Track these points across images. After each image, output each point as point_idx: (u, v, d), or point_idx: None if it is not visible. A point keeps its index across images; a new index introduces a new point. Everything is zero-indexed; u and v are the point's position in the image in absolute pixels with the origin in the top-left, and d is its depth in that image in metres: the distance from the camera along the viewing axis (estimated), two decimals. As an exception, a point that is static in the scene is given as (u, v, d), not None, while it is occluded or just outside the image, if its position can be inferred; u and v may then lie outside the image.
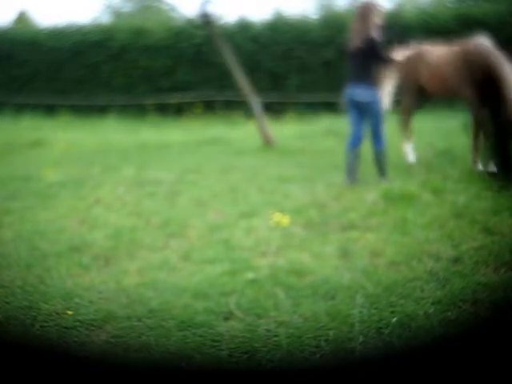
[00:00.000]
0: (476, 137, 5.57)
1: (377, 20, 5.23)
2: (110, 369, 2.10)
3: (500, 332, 2.00)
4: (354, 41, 5.26)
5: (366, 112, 5.31)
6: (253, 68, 10.72)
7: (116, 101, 12.35)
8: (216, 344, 2.57)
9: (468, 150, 5.79)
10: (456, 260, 3.38)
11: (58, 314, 2.86)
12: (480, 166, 5.40)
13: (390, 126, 5.85)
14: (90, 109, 12.46)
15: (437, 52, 5.94)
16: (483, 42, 5.33)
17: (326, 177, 5.67)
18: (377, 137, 5.36)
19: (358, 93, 5.27)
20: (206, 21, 8.85)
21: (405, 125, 6.35)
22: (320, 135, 8.82)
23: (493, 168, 5.17)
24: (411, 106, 6.33)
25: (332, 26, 11.78)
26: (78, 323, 2.77)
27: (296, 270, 3.37)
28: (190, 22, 12.25)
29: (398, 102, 6.44)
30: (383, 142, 5.38)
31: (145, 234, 4.18)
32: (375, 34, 5.20)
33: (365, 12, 5.24)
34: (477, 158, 5.57)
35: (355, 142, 5.41)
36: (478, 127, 5.52)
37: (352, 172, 5.40)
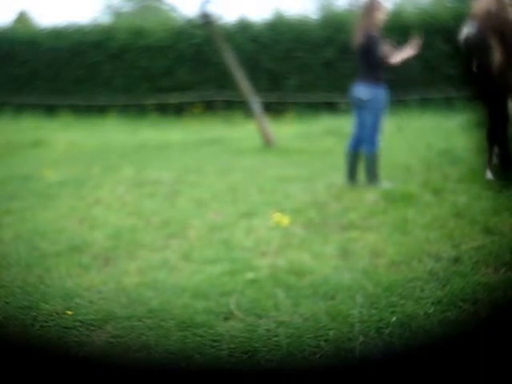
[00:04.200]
0: (491, 141, 5.02)
1: (381, 17, 5.21)
2: (110, 369, 2.10)
3: (500, 332, 2.00)
4: (358, 37, 5.21)
5: (364, 110, 5.20)
6: (253, 68, 10.72)
7: (116, 101, 12.35)
8: (216, 344, 2.57)
9: (468, 150, 5.78)
10: (456, 260, 3.38)
11: (57, 313, 2.86)
12: (490, 175, 5.03)
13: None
14: (90, 109, 12.47)
15: None
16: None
17: (326, 177, 5.67)
18: (371, 138, 5.20)
19: (359, 90, 5.21)
20: (206, 21, 8.85)
21: None
22: (320, 135, 8.81)
23: (489, 175, 5.07)
24: None
25: (332, 26, 11.78)
26: (77, 323, 2.77)
27: (296, 269, 3.37)
28: (189, 22, 12.25)
29: None
30: (376, 144, 5.22)
31: (145, 234, 4.18)
32: (377, 32, 5.16)
33: (369, 9, 5.19)
34: (489, 166, 5.05)
35: (356, 143, 5.37)
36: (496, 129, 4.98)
37: (352, 173, 5.36)
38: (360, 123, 5.31)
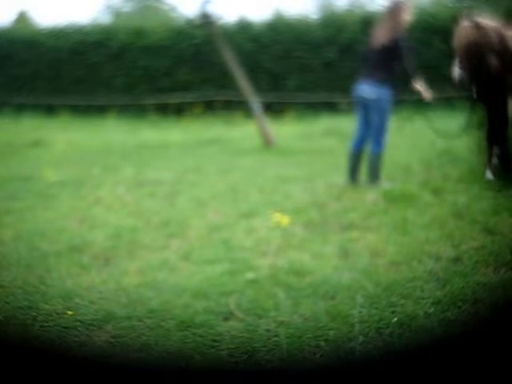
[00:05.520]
0: (491, 142, 5.07)
1: (406, 18, 5.18)
2: (110, 369, 2.10)
3: (500, 332, 2.00)
4: (380, 38, 5.16)
5: (370, 110, 5.20)
6: (253, 68, 10.72)
7: (116, 101, 12.35)
8: (216, 344, 2.57)
9: (468, 150, 5.77)
10: (456, 260, 3.39)
11: (58, 313, 2.86)
12: (490, 175, 5.06)
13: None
14: (90, 109, 12.46)
15: None
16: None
17: (326, 177, 5.67)
18: (376, 138, 5.22)
19: (365, 89, 5.19)
20: (206, 21, 8.85)
21: None
22: (320, 135, 8.81)
23: (489, 175, 5.07)
24: None
25: (332, 26, 11.77)
26: (78, 323, 2.77)
27: (296, 269, 3.37)
28: (189, 22, 12.25)
29: None
30: (382, 144, 5.23)
31: (145, 234, 4.18)
32: (403, 34, 5.14)
33: (395, 10, 5.16)
34: (489, 166, 5.10)
35: (359, 143, 5.34)
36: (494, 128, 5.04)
37: (354, 173, 5.34)
38: (365, 123, 5.30)
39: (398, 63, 5.11)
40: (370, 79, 5.16)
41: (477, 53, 4.65)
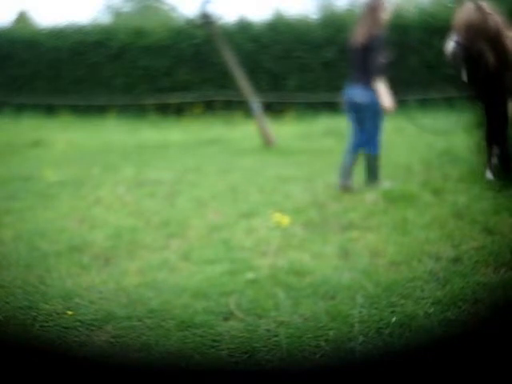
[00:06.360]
0: (490, 141, 5.02)
1: (384, 17, 5.14)
2: (110, 369, 2.10)
3: (500, 332, 2.00)
4: (359, 37, 5.13)
5: (363, 113, 5.14)
6: (253, 68, 10.72)
7: (116, 101, 12.35)
8: (216, 344, 2.57)
9: (468, 150, 5.77)
10: (456, 260, 3.38)
11: (58, 313, 2.86)
12: (490, 175, 5.00)
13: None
14: (90, 109, 12.46)
15: None
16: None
17: (326, 177, 5.66)
18: (372, 141, 5.16)
19: (356, 93, 5.13)
20: (206, 21, 8.85)
21: None
22: (320, 135, 8.81)
23: (489, 175, 5.06)
24: None
25: (332, 26, 11.77)
26: (78, 323, 2.77)
27: (296, 270, 3.37)
28: (189, 22, 12.25)
29: None
30: (378, 147, 5.19)
31: (145, 234, 4.18)
32: (381, 32, 5.10)
33: (373, 8, 5.12)
34: (489, 166, 5.04)
35: (353, 146, 5.27)
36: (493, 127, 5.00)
37: (345, 175, 5.22)
38: (358, 127, 5.23)
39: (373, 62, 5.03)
40: (361, 82, 5.10)
41: (473, 32, 4.66)
